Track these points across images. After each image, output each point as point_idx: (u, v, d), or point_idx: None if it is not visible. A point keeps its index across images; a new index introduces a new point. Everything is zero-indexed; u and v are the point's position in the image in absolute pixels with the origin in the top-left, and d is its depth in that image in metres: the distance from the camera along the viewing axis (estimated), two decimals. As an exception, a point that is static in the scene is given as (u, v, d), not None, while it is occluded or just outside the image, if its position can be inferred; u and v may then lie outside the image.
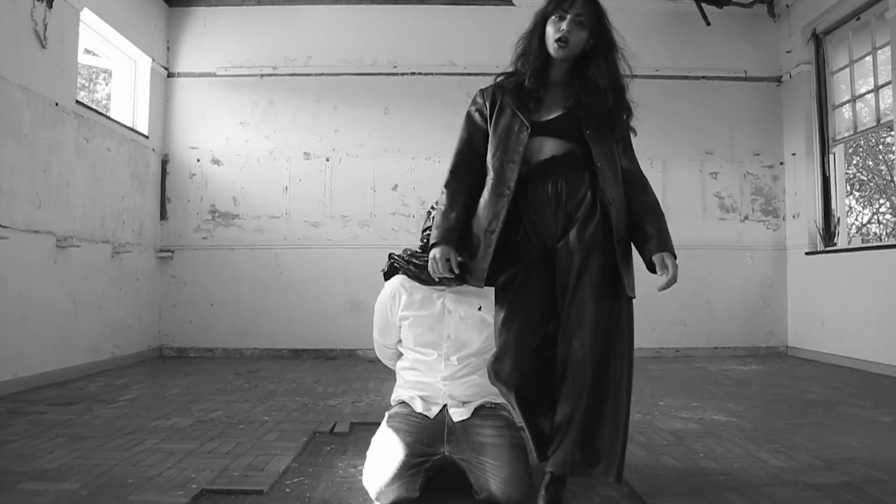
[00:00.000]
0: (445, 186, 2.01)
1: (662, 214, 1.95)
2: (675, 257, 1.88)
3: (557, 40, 1.88)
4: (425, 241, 2.21)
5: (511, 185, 1.88)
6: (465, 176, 2.00)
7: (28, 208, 4.00)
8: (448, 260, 1.93)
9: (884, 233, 12.70)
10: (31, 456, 2.43)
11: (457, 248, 1.96)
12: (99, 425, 2.96)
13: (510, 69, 2.03)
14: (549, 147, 1.91)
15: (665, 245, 1.88)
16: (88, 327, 4.64)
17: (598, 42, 1.92)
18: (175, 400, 3.62)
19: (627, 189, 1.94)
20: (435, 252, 1.95)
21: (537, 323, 1.92)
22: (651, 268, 1.90)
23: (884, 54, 5.01)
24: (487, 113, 2.00)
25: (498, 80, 2.05)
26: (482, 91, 2.05)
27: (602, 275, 1.84)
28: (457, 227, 1.96)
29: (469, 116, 2.05)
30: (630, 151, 2.00)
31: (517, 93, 1.96)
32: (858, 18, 5.29)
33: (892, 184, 12.56)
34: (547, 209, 1.89)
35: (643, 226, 1.92)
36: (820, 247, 5.61)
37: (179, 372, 4.75)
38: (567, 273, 1.86)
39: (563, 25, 1.87)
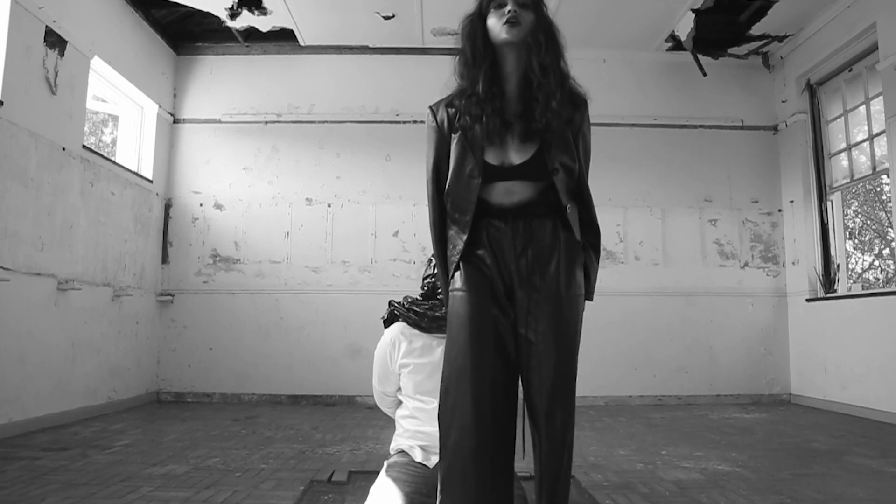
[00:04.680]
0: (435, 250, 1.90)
1: (595, 261, 1.82)
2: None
3: (507, 22, 1.67)
4: (426, 288, 2.22)
5: (463, 240, 1.75)
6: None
7: (31, 251, 4.02)
8: None
9: (884, 278, 12.70)
10: (22, 504, 2.40)
11: None
12: (93, 472, 2.91)
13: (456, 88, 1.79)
14: (514, 190, 1.71)
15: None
16: (86, 371, 4.61)
17: (540, 30, 1.71)
18: (171, 446, 3.57)
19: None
20: None
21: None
22: None
23: (877, 104, 5.11)
24: (446, 130, 1.78)
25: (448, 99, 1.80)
26: (431, 108, 1.83)
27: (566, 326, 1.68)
28: None
29: (430, 137, 1.83)
30: (585, 182, 1.80)
31: (472, 113, 1.71)
32: (851, 70, 5.41)
33: (892, 229, 12.62)
34: (508, 252, 1.70)
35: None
36: (820, 293, 5.61)
37: (176, 417, 4.70)
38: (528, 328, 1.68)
39: (508, 6, 1.69)
